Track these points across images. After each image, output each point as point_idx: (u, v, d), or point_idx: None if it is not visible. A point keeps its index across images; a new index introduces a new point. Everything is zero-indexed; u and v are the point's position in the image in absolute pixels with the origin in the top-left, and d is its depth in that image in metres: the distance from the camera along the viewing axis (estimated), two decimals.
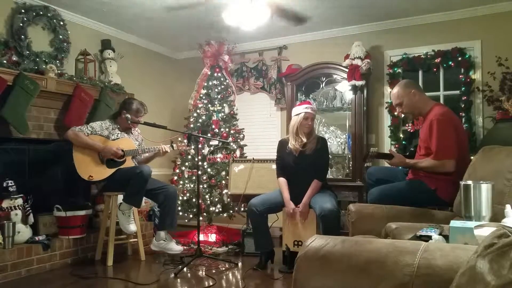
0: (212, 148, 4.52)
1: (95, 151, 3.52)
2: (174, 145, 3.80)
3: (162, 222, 3.72)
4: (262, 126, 5.13)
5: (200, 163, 4.23)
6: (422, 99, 2.96)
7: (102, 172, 3.53)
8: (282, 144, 3.53)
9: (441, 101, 4.19)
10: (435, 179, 2.74)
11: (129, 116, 3.62)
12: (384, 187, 2.93)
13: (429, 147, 2.78)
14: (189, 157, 4.55)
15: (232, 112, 4.69)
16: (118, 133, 3.67)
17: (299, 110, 3.42)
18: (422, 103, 2.94)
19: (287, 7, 3.95)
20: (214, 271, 3.37)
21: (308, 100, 4.43)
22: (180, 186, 4.53)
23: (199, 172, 3.87)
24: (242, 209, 4.33)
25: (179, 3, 3.95)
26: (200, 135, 4.33)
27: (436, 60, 4.19)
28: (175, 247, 3.69)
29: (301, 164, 3.38)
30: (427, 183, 2.76)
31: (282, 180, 3.43)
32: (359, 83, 4.16)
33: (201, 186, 4.30)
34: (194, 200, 4.36)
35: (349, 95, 4.40)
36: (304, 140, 3.37)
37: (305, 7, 4.03)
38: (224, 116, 4.62)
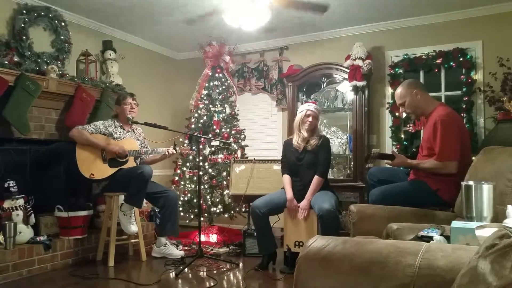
0: (213, 149, 4.52)
1: (98, 148, 3.54)
2: (178, 148, 3.83)
3: (162, 228, 3.76)
4: (263, 127, 5.13)
5: (201, 163, 4.23)
6: (425, 99, 2.95)
7: (104, 171, 3.54)
8: (287, 143, 3.63)
9: (443, 101, 4.18)
10: (436, 179, 2.73)
11: (130, 117, 3.70)
12: (385, 187, 2.92)
13: (432, 147, 2.77)
14: (190, 157, 4.55)
15: (233, 112, 4.70)
16: (120, 131, 3.71)
17: (302, 108, 3.56)
18: (424, 103, 2.93)
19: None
20: (215, 271, 3.37)
21: (313, 100, 4.45)
22: (181, 186, 4.53)
23: (200, 173, 3.87)
24: (243, 209, 4.34)
25: (179, 4, 3.96)
26: (201, 135, 4.33)
27: (437, 61, 4.19)
28: (176, 252, 3.75)
29: (304, 160, 3.46)
30: (428, 183, 2.75)
31: (287, 177, 3.50)
32: (360, 83, 4.16)
33: (202, 186, 4.30)
34: (195, 200, 4.37)
35: (350, 96, 4.40)
36: (306, 135, 3.45)
37: None
38: (225, 117, 4.62)
